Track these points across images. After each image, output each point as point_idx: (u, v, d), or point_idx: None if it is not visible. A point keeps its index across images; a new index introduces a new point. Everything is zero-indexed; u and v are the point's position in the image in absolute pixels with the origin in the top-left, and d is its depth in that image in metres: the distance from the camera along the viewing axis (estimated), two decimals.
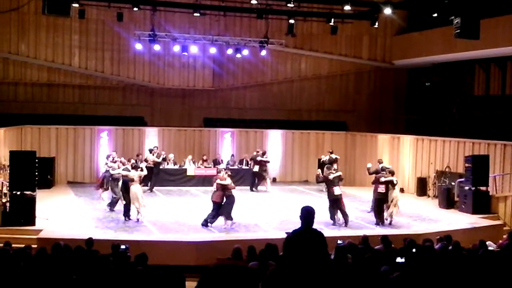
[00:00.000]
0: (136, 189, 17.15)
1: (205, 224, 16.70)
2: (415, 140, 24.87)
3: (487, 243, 11.93)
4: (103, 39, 27.18)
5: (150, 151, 23.63)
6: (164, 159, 23.94)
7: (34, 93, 26.84)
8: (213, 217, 16.80)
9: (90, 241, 11.36)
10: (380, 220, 17.62)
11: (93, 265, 9.11)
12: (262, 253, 10.05)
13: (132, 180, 17.18)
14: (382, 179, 17.81)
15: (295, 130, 28.42)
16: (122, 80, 27.80)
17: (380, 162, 20.94)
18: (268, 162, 24.63)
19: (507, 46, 22.65)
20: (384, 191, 17.67)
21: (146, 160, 23.01)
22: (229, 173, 17.70)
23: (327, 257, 6.74)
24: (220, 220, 16.92)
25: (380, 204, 17.78)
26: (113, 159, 20.50)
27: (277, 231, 16.30)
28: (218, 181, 16.92)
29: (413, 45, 28.29)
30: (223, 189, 16.79)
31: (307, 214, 6.63)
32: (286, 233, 11.78)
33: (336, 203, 17.58)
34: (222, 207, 16.78)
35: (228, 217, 16.79)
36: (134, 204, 17.16)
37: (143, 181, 22.85)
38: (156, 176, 23.11)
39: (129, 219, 17.19)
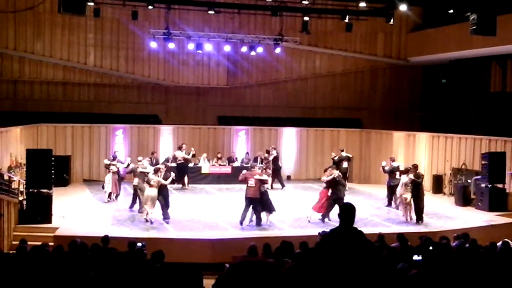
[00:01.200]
0: (151, 193, 16.70)
1: (259, 223, 16.68)
2: (430, 137, 24.71)
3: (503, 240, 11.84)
4: (118, 37, 27.30)
5: (179, 148, 23.57)
6: (193, 156, 23.82)
7: (50, 92, 27.01)
8: (259, 215, 16.76)
9: (106, 238, 11.39)
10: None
11: (110, 263, 9.15)
12: (277, 251, 10.05)
13: (149, 182, 16.88)
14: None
15: (310, 127, 28.33)
16: (136, 79, 27.89)
17: (393, 160, 20.89)
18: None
19: None
20: None
21: (175, 158, 23.06)
22: (263, 168, 17.72)
23: (372, 258, 6.21)
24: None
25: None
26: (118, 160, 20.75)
27: (292, 229, 16.33)
28: (257, 176, 16.76)
29: (428, 41, 28.11)
30: (261, 183, 16.76)
31: (347, 211, 6.21)
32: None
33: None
34: (262, 203, 16.75)
35: (270, 211, 16.89)
36: (145, 205, 16.94)
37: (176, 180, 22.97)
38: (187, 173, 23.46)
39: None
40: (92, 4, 22.46)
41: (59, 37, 26.56)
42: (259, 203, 16.71)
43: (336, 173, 17.77)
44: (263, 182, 16.85)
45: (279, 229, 16.38)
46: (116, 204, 19.72)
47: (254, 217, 16.82)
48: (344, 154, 24.26)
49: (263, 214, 16.88)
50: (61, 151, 24.31)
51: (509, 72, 26.67)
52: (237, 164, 25.31)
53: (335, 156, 24.13)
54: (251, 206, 16.73)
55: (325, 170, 18.12)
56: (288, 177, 26.85)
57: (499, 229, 17.33)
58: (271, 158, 24.16)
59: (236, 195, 22.44)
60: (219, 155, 25.25)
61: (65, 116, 25.86)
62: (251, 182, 16.65)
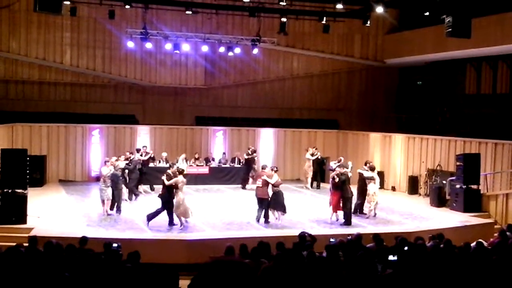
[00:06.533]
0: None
1: (257, 220, 17.02)
2: (406, 139, 24.93)
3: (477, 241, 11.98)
4: (95, 36, 27.12)
5: (138, 150, 22.75)
6: (152, 158, 23.35)
7: (25, 91, 26.73)
8: (263, 214, 17.03)
9: (84, 239, 11.30)
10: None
11: (85, 263, 9.09)
12: (254, 251, 10.07)
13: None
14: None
15: (287, 128, 28.40)
16: (113, 78, 27.72)
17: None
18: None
19: (498, 45, 22.78)
20: None
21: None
22: (275, 169, 17.64)
23: None
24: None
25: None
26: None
27: (269, 229, 16.34)
28: (265, 177, 16.99)
29: (404, 43, 28.37)
30: (268, 184, 16.93)
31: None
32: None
33: None
34: (271, 202, 16.96)
35: (283, 210, 17.02)
36: (175, 211, 16.42)
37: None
38: (142, 176, 22.21)
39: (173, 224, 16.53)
40: (68, 3, 22.27)
41: (35, 36, 26.32)
42: (269, 203, 16.98)
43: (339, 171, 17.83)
44: (272, 184, 16.95)
45: (256, 230, 16.39)
46: (93, 205, 19.52)
47: (277, 214, 17.11)
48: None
49: (277, 214, 17.04)
50: (37, 151, 24.07)
51: (483, 74, 26.99)
52: (214, 164, 25.33)
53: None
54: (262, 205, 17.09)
55: (333, 171, 18.22)
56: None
57: (473, 229, 17.53)
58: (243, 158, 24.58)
59: (213, 195, 22.50)
60: (196, 156, 25.19)
61: (41, 116, 25.58)
62: (259, 182, 17.19)
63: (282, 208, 17.03)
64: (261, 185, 17.09)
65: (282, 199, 17.08)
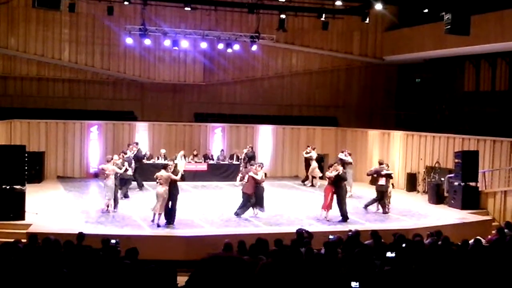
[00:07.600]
0: (160, 191, 16.15)
1: (237, 214, 17.31)
2: (405, 136, 24.94)
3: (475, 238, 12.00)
4: (93, 33, 27.06)
5: (129, 145, 22.61)
6: (144, 156, 23.40)
7: (24, 87, 26.69)
8: (243, 207, 17.42)
9: (81, 235, 11.30)
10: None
11: (83, 259, 9.09)
12: (252, 248, 10.09)
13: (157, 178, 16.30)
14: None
15: (286, 125, 28.41)
16: (112, 75, 27.68)
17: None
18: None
19: (497, 42, 22.79)
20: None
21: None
22: (262, 166, 18.03)
23: None
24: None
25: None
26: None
27: (267, 226, 16.35)
28: (251, 173, 17.38)
29: (403, 41, 28.36)
30: (255, 181, 17.31)
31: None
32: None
33: None
34: (256, 198, 17.38)
35: (260, 205, 17.59)
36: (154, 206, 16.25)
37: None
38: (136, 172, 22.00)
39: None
40: None
41: (33, 32, 26.25)
42: (251, 198, 17.36)
43: (340, 169, 17.84)
44: (256, 180, 17.29)
45: (255, 226, 16.39)
46: (92, 201, 19.50)
47: (256, 210, 17.59)
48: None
49: (256, 210, 17.55)
50: (35, 147, 24.05)
51: (482, 71, 27.00)
52: (213, 161, 25.31)
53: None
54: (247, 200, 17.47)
55: (330, 166, 18.19)
56: (264, 175, 26.80)
57: (471, 227, 17.56)
58: (242, 156, 24.53)
59: (211, 192, 22.49)
60: (195, 152, 25.18)
61: (39, 112, 25.55)
62: (246, 178, 17.90)
63: (260, 204, 17.51)
64: (247, 181, 17.77)
65: (261, 195, 17.53)
